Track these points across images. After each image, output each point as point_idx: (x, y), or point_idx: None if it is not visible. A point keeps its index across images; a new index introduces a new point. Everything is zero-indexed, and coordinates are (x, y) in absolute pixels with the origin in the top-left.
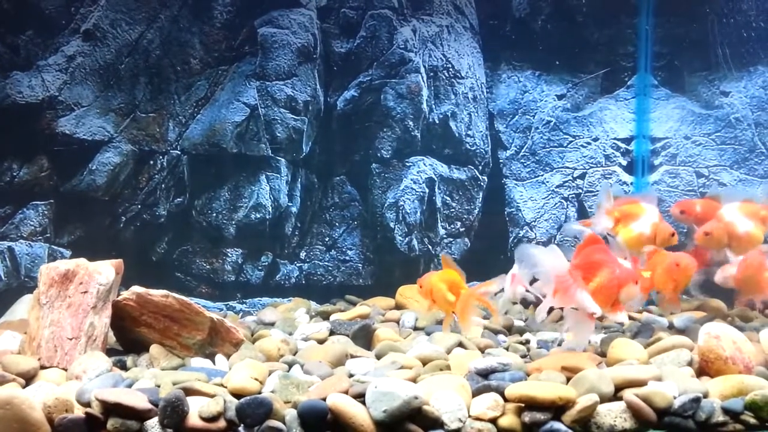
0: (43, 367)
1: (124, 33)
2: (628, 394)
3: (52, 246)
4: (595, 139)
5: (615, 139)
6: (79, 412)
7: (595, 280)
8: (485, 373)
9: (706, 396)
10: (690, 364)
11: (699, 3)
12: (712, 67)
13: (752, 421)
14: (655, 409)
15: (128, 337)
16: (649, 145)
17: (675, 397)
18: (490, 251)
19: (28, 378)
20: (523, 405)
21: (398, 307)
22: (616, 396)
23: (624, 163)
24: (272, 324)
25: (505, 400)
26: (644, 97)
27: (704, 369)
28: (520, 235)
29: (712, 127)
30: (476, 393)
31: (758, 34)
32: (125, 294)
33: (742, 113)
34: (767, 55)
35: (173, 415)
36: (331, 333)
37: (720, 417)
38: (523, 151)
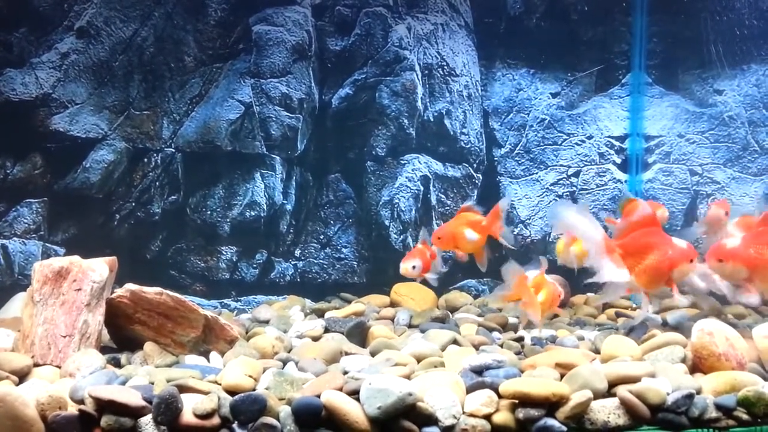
0: (36, 365)
1: (118, 30)
2: (622, 390)
3: (46, 244)
4: (590, 137)
5: (609, 137)
6: (72, 409)
7: (643, 262)
8: (479, 370)
9: (699, 392)
10: (683, 360)
11: (692, 1)
12: (705, 65)
13: (745, 417)
14: (648, 405)
15: (122, 335)
16: (643, 143)
17: (668, 394)
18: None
19: (22, 375)
20: (517, 401)
21: (393, 304)
22: (609, 392)
23: (618, 161)
24: (267, 321)
25: (499, 396)
26: (638, 95)
27: (697, 365)
28: (515, 232)
29: (706, 125)
30: (470, 390)
31: (751, 32)
32: (119, 291)
33: (736, 111)
34: (760, 53)
35: (167, 412)
36: (326, 330)
37: (713, 413)
38: (517, 148)
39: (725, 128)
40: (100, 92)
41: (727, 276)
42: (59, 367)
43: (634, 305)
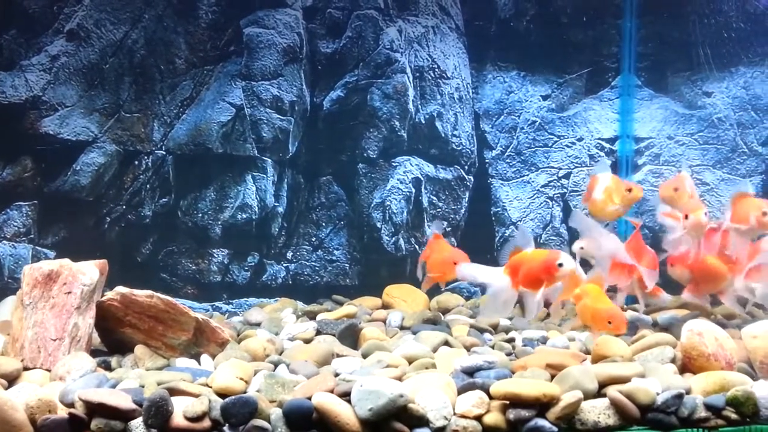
0: (26, 369)
1: (109, 33)
2: (612, 390)
3: (36, 247)
4: (580, 139)
5: (599, 139)
6: (62, 412)
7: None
8: (471, 371)
9: (688, 392)
10: (673, 361)
11: (681, 4)
12: (694, 68)
13: (734, 416)
14: (638, 406)
15: (113, 338)
16: (633, 144)
17: (658, 394)
18: (476, 251)
19: (11, 379)
20: (507, 402)
21: (385, 306)
22: (600, 393)
23: (608, 162)
24: (258, 324)
25: (490, 397)
26: (628, 97)
27: (687, 366)
28: (506, 234)
29: (695, 127)
30: (461, 391)
31: (738, 34)
32: (109, 294)
33: (725, 113)
34: (748, 55)
35: (157, 415)
36: (318, 333)
37: (702, 413)
38: (508, 151)
39: (714, 130)
40: (91, 95)
41: (678, 278)
42: (49, 370)
43: (625, 305)
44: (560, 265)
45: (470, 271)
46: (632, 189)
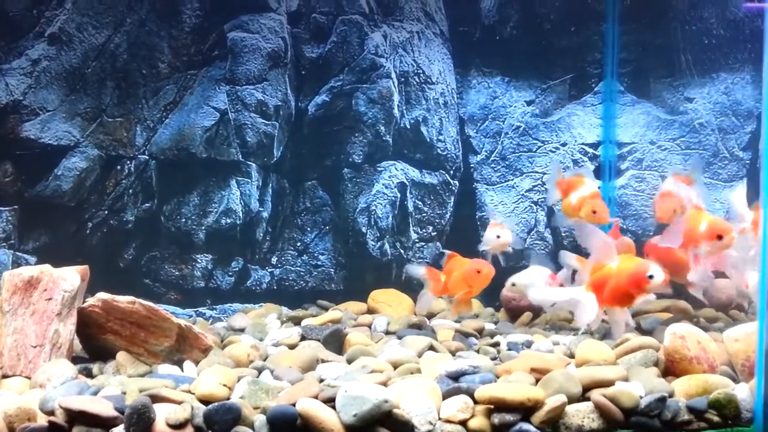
0: (5, 376)
1: (91, 37)
2: (596, 394)
3: (17, 252)
4: (564, 144)
5: (583, 144)
6: (42, 420)
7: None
8: (455, 376)
9: (671, 395)
10: (656, 364)
11: (663, 10)
12: (676, 74)
13: (716, 419)
14: (622, 409)
15: (94, 345)
16: (616, 150)
17: (641, 397)
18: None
19: None
20: (492, 406)
21: (370, 311)
22: (584, 396)
23: (591, 167)
24: (242, 330)
25: (475, 402)
26: (611, 102)
27: (670, 369)
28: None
29: (677, 132)
30: (446, 395)
31: (719, 41)
32: (91, 300)
33: (706, 119)
34: (728, 62)
35: (139, 422)
36: (302, 338)
37: (685, 416)
38: (493, 155)
39: (696, 135)
40: (72, 99)
41: None
42: (29, 377)
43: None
44: (651, 277)
45: (546, 295)
46: (597, 212)
